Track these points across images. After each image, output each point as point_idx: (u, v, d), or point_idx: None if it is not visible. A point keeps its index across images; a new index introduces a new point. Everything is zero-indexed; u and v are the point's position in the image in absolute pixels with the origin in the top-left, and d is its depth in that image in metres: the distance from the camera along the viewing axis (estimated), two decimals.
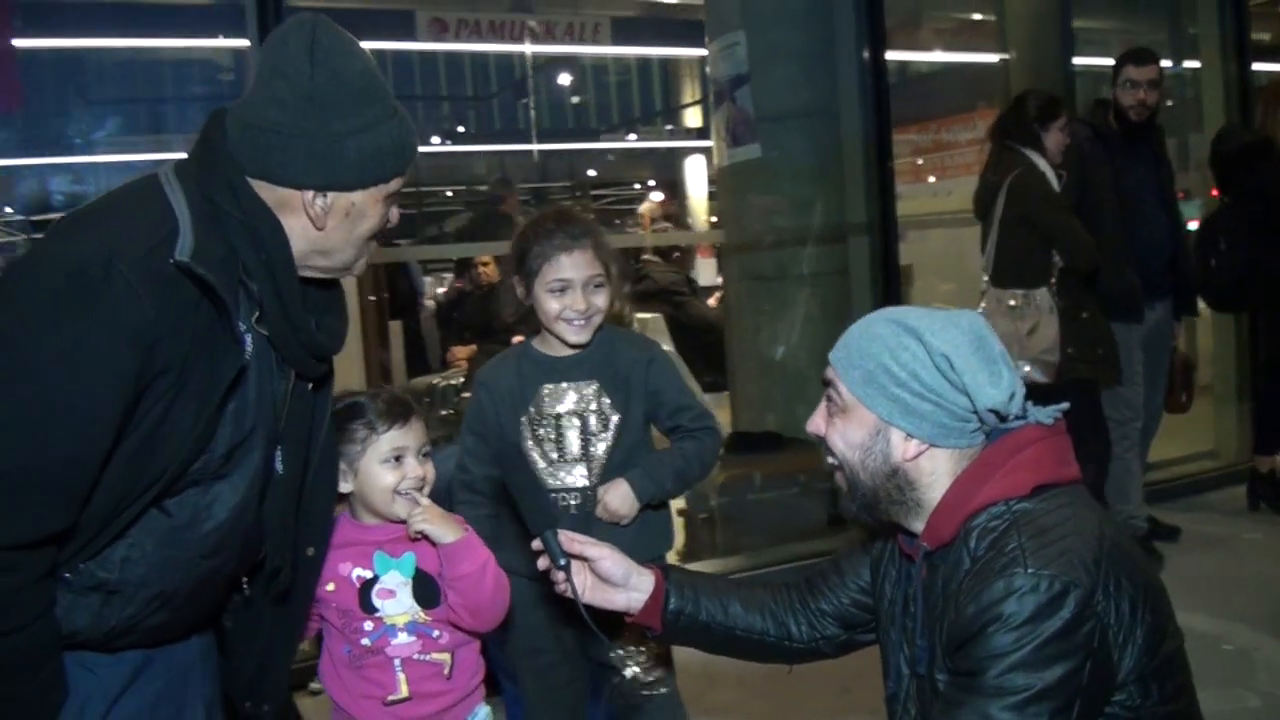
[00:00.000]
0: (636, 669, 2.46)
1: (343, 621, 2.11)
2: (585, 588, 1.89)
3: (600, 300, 2.38)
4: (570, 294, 2.35)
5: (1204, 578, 4.05)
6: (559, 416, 2.40)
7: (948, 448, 1.62)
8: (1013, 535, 1.52)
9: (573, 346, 2.41)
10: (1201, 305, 5.10)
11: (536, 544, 1.86)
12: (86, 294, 1.41)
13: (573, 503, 2.41)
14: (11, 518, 1.41)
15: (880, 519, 1.72)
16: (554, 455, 2.41)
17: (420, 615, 2.10)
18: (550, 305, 2.37)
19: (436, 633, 2.12)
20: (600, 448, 2.41)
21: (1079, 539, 1.49)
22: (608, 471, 2.41)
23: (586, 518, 2.39)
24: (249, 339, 1.59)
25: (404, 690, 2.11)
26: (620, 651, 2.45)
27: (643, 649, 2.46)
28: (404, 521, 2.08)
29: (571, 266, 2.35)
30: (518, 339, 6.30)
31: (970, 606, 1.49)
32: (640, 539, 2.40)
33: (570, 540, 1.87)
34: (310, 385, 1.78)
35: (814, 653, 1.98)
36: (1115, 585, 1.48)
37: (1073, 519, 1.53)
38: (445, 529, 2.05)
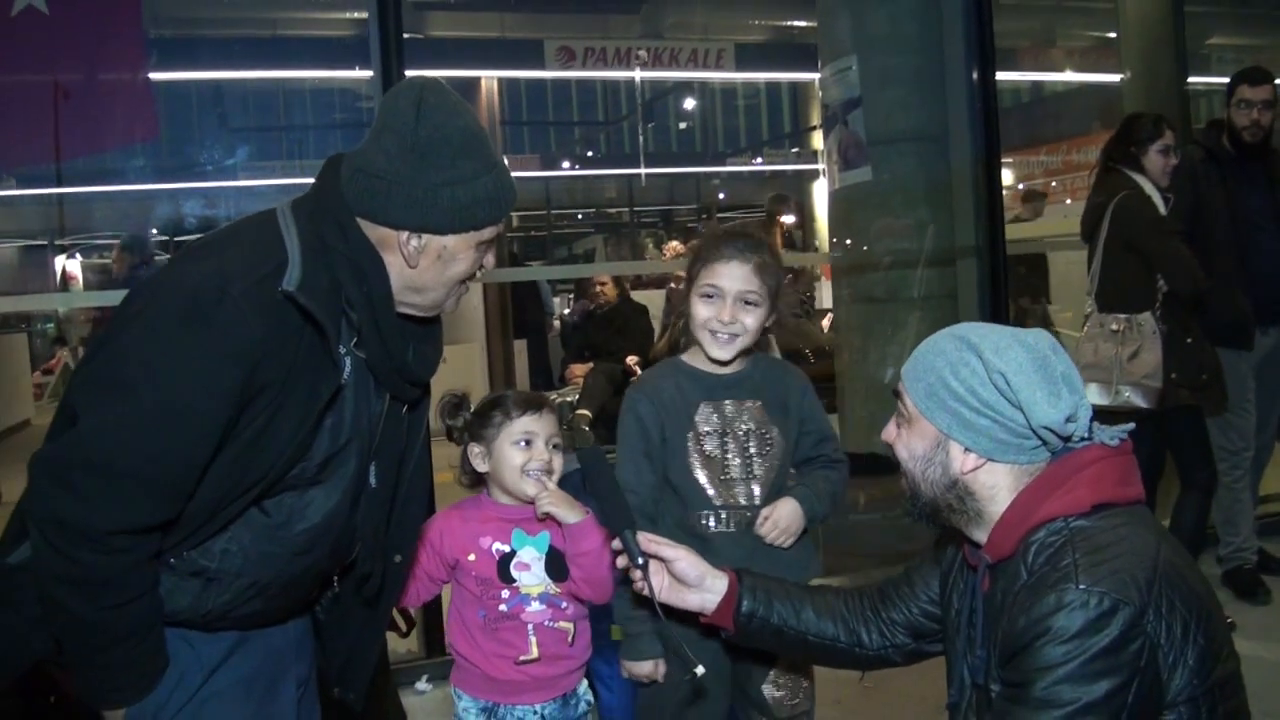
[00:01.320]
0: (780, 692, 2.42)
1: (481, 589, 2.31)
2: (662, 588, 1.96)
3: (750, 320, 2.30)
4: (719, 303, 2.30)
5: None
6: (723, 434, 2.35)
7: (1006, 463, 1.65)
8: (1068, 551, 1.54)
9: (712, 360, 2.35)
10: None
11: (616, 543, 1.94)
12: (202, 314, 1.59)
13: (732, 520, 2.34)
14: (127, 506, 1.58)
15: (943, 525, 1.77)
16: (720, 474, 2.34)
17: (552, 587, 2.31)
18: (700, 311, 2.32)
19: (564, 604, 2.33)
20: (762, 468, 2.35)
21: (1134, 558, 1.50)
22: (769, 491, 2.36)
23: (746, 536, 2.33)
24: (348, 362, 1.75)
25: (535, 651, 2.31)
26: (770, 685, 2.41)
27: (790, 676, 2.41)
28: (533, 501, 2.27)
29: (727, 276, 2.30)
30: (632, 359, 6.45)
31: (1022, 619, 1.52)
32: (799, 560, 2.38)
33: (648, 541, 1.95)
34: (405, 408, 1.93)
35: (884, 660, 2.02)
36: (1168, 606, 1.48)
37: (1129, 538, 1.54)
38: (569, 511, 2.25)
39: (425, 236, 1.73)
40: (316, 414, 1.70)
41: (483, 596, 2.31)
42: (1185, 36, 5.70)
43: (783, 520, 2.33)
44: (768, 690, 2.42)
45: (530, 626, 2.30)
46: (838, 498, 2.46)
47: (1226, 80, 4.63)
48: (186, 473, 1.61)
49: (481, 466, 2.35)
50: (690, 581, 1.97)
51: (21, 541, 1.66)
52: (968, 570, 1.79)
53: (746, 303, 2.30)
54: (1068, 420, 1.60)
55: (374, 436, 1.84)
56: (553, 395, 6.90)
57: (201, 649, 1.77)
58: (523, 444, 2.31)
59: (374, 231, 1.73)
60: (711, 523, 2.34)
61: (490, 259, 1.86)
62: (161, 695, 1.73)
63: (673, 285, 6.38)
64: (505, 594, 2.30)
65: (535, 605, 2.31)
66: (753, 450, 2.36)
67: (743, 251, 2.31)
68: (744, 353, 2.39)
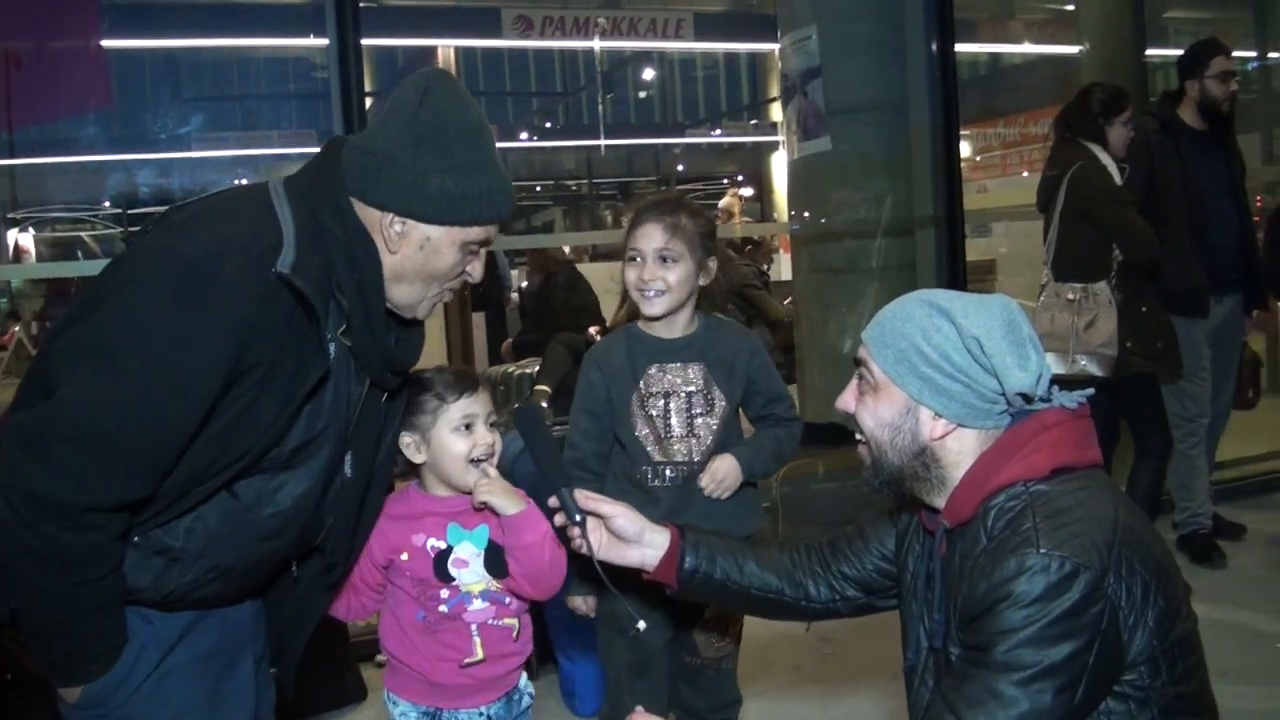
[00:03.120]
0: (709, 633, 2.58)
1: (418, 589, 2.19)
2: (600, 544, 1.94)
3: (670, 275, 2.42)
4: (640, 264, 2.44)
5: (1265, 577, 3.99)
6: (667, 395, 2.48)
7: (975, 428, 1.64)
8: (1028, 516, 1.53)
9: (650, 319, 2.48)
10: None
11: (553, 500, 1.93)
12: (197, 285, 1.55)
13: (674, 475, 2.48)
14: (105, 481, 1.54)
15: (903, 494, 1.76)
16: (661, 431, 2.48)
17: (494, 584, 2.20)
18: (628, 275, 2.47)
19: (508, 599, 2.22)
20: (704, 427, 2.48)
21: (1093, 522, 1.50)
22: (714, 447, 2.49)
23: (687, 490, 2.48)
24: (332, 347, 1.71)
25: (479, 653, 2.21)
26: (699, 629, 2.58)
27: (717, 619, 2.57)
28: (470, 491, 2.15)
29: (643, 237, 2.44)
30: (594, 329, 6.44)
31: (983, 584, 1.52)
32: (738, 513, 2.51)
33: (585, 498, 1.93)
34: (384, 395, 1.90)
35: (831, 612, 2.02)
36: (1128, 569, 1.48)
37: (1088, 502, 1.54)
38: (508, 501, 2.11)
39: (409, 222, 1.70)
40: (300, 399, 1.67)
41: (420, 597, 2.20)
42: (1144, 8, 5.72)
43: (719, 473, 2.47)
44: (696, 633, 2.58)
45: (474, 626, 2.21)
46: (783, 456, 2.61)
47: (1172, 53, 4.66)
48: (168, 449, 1.57)
49: (417, 457, 2.18)
50: (629, 537, 1.95)
51: None
52: (924, 534, 1.79)
53: (664, 259, 2.42)
54: (1036, 383, 1.60)
55: (350, 423, 1.81)
56: (511, 368, 6.85)
57: (159, 625, 1.74)
58: (464, 429, 2.16)
59: (364, 212, 1.71)
60: (652, 477, 2.48)
61: (476, 268, 1.81)
62: (121, 671, 1.70)
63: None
64: (445, 593, 2.19)
65: (477, 604, 2.20)
66: (696, 410, 2.48)
67: (657, 213, 2.45)
68: (698, 319, 2.53)
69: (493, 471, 2.16)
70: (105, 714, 1.71)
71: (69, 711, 1.74)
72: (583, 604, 2.57)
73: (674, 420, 2.48)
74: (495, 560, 2.18)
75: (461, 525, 2.19)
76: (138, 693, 1.72)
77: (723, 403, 2.49)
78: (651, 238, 2.43)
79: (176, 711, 1.76)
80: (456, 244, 1.74)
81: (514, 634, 2.25)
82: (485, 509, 2.15)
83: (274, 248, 1.60)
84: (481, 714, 2.26)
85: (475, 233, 1.75)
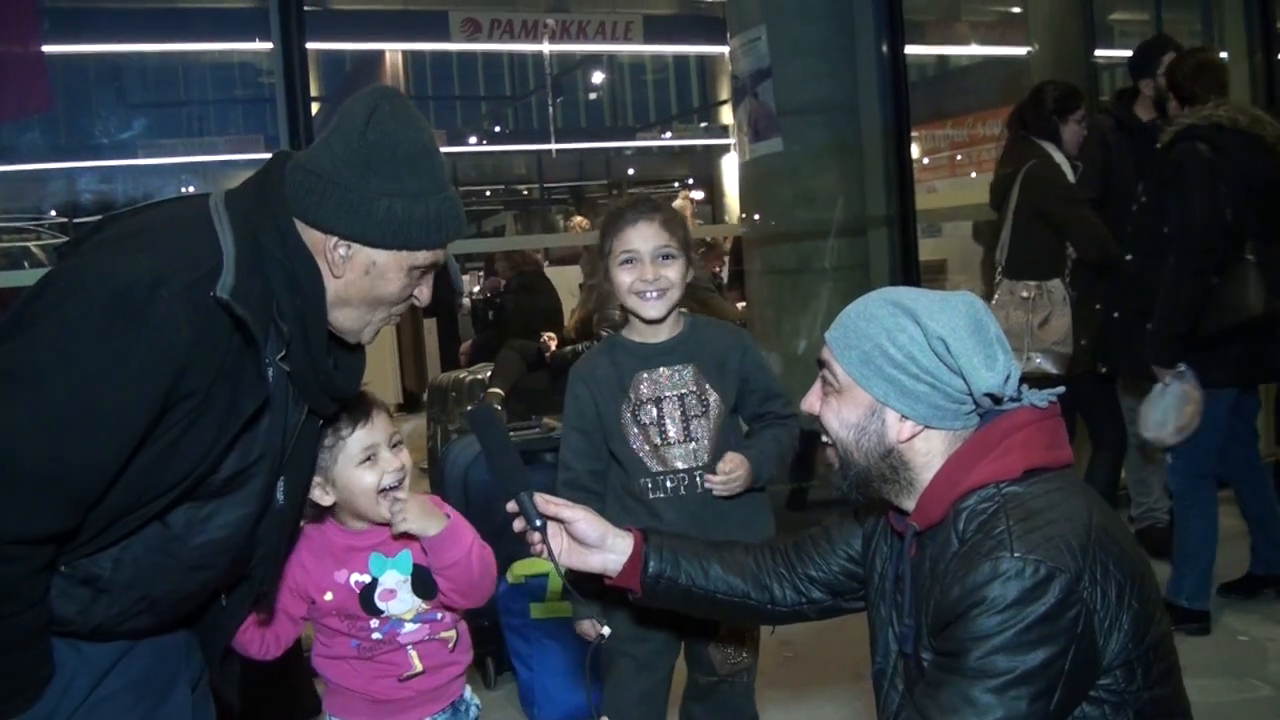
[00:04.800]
0: (728, 648, 2.49)
1: (348, 624, 2.14)
2: (561, 550, 1.89)
3: (671, 273, 2.37)
4: (639, 265, 2.36)
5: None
6: (659, 400, 2.41)
7: (942, 429, 1.61)
8: (1001, 519, 1.51)
9: (648, 322, 2.41)
10: None
11: (511, 505, 1.85)
12: (129, 313, 1.48)
13: (674, 485, 2.41)
14: (23, 514, 1.47)
15: (872, 496, 1.72)
16: (657, 439, 2.40)
17: (423, 605, 2.15)
18: (622, 279, 2.38)
19: (440, 615, 2.18)
20: (701, 429, 2.40)
21: (1067, 524, 1.48)
22: (713, 450, 2.41)
23: (692, 499, 2.40)
24: (270, 372, 1.65)
25: (418, 665, 2.17)
26: (714, 644, 2.48)
27: (733, 631, 2.47)
28: (389, 523, 2.08)
29: (639, 238, 2.36)
30: (548, 336, 6.40)
31: (956, 589, 1.48)
32: (750, 519, 2.44)
33: (546, 502, 1.87)
34: (319, 421, 1.85)
35: (797, 615, 1.99)
36: (1102, 571, 1.46)
37: (1061, 504, 1.52)
38: (428, 523, 2.06)
39: (355, 246, 1.64)
40: (236, 428, 1.60)
41: (351, 630, 2.15)
42: (1093, 9, 5.78)
43: (729, 466, 2.37)
44: (711, 648, 2.48)
45: (409, 646, 2.17)
46: (786, 457, 2.52)
47: (1129, 54, 4.69)
48: (95, 481, 1.50)
49: (326, 500, 2.08)
50: (591, 542, 1.90)
51: None
52: (892, 536, 1.75)
53: (664, 257, 2.37)
54: (1005, 382, 1.57)
55: (286, 451, 1.75)
56: (463, 374, 6.80)
57: (89, 653, 1.67)
58: (367, 461, 2.06)
59: (307, 235, 1.64)
60: (652, 489, 2.40)
61: (424, 292, 1.76)
62: (49, 704, 1.63)
63: (585, 248, 6.36)
64: (375, 624, 2.13)
65: (410, 626, 2.16)
66: (691, 413, 2.40)
67: (647, 212, 2.39)
68: (682, 319, 2.47)
69: (403, 494, 2.09)
70: None
71: None
72: (591, 629, 2.39)
73: (669, 425, 2.40)
74: (423, 582, 2.13)
75: (384, 554, 2.13)
76: None
77: (718, 403, 2.41)
78: (649, 237, 2.36)
79: None
80: (404, 268, 1.69)
81: (450, 645, 2.21)
82: (406, 536, 2.09)
83: (213, 271, 1.54)
84: None
85: (422, 256, 1.70)
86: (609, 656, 2.49)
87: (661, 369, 2.42)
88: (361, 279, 1.67)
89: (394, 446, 2.11)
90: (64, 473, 1.47)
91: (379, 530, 2.12)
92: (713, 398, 2.41)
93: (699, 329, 2.47)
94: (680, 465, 2.40)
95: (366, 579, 2.12)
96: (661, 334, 2.43)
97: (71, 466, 1.47)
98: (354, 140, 1.62)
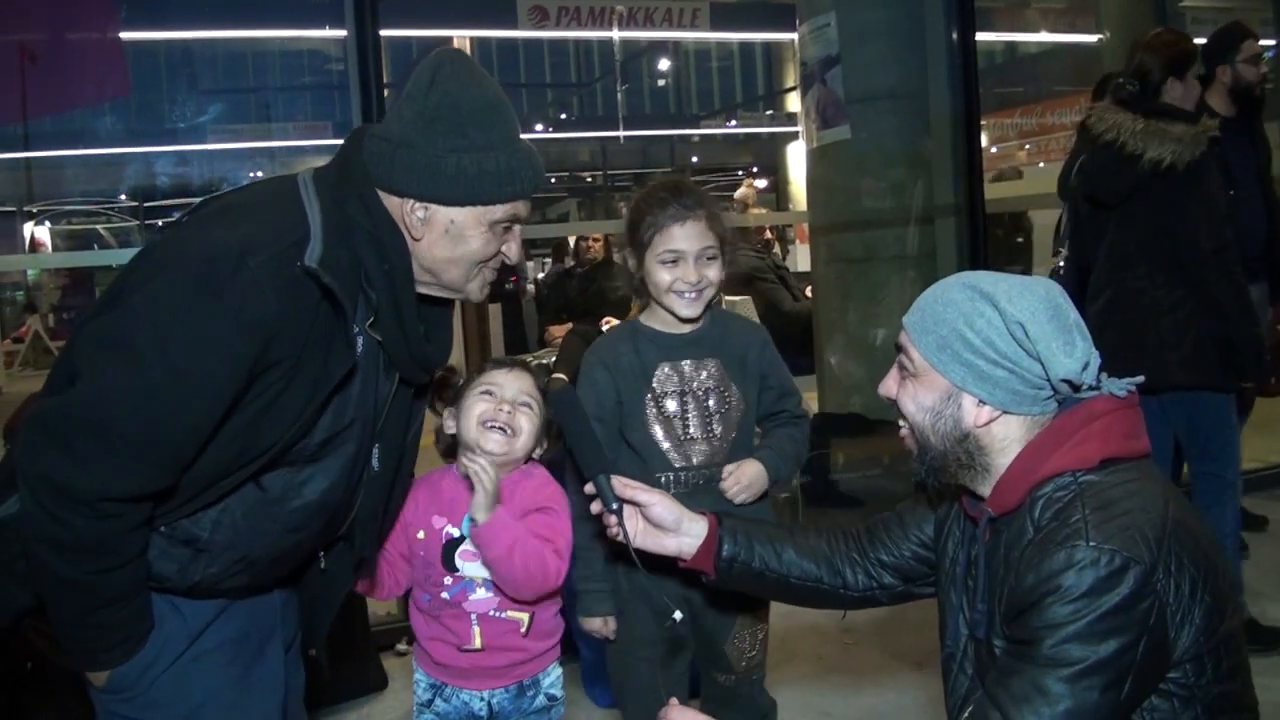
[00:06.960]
0: (743, 644, 2.46)
1: (425, 573, 2.22)
2: (637, 532, 1.91)
3: (712, 273, 2.32)
4: (682, 265, 2.29)
5: None
6: (682, 394, 2.35)
7: (1020, 415, 1.60)
8: (1077, 507, 1.50)
9: (683, 320, 2.36)
10: None
11: (589, 488, 1.88)
12: (217, 283, 1.54)
13: (690, 479, 2.36)
14: (123, 472, 1.54)
15: (948, 482, 1.71)
16: (680, 433, 2.35)
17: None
18: (662, 277, 2.30)
19: None
20: (721, 425, 2.36)
21: (1143, 515, 1.47)
22: (731, 448, 2.37)
23: (702, 495, 2.33)
24: (361, 340, 1.70)
25: (477, 642, 2.21)
26: (731, 640, 2.45)
27: (750, 629, 2.45)
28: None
29: (684, 238, 2.28)
30: (608, 321, 6.42)
31: (1030, 576, 1.48)
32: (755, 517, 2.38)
33: (624, 485, 1.89)
34: (413, 391, 1.90)
35: (869, 601, 1.99)
36: (1176, 564, 1.45)
37: (1138, 494, 1.50)
38: (481, 501, 2.11)
39: (431, 207, 1.69)
40: (326, 393, 1.66)
41: (425, 581, 2.23)
42: None
43: (745, 478, 2.35)
44: (728, 645, 2.45)
45: (474, 616, 2.21)
46: (800, 457, 2.50)
47: (1203, 41, 4.59)
48: (187, 443, 1.57)
49: (450, 428, 2.25)
50: (667, 526, 1.92)
51: (9, 494, 1.63)
52: (966, 521, 1.74)
53: (709, 258, 2.32)
54: (1083, 370, 1.56)
55: (379, 418, 1.80)
56: (529, 358, 6.86)
57: (187, 611, 1.74)
58: (486, 396, 2.21)
59: (387, 201, 1.69)
60: (668, 482, 2.33)
61: (513, 248, 1.79)
62: (147, 657, 1.70)
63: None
64: (448, 580, 2.20)
65: (480, 592, 2.20)
66: (712, 408, 2.36)
67: (692, 209, 2.30)
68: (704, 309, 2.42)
69: (493, 472, 2.14)
70: (132, 698, 1.72)
71: (98, 696, 1.74)
72: (601, 625, 2.38)
73: (692, 420, 2.35)
74: None
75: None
76: (164, 677, 1.72)
77: (739, 400, 2.38)
78: (695, 237, 2.29)
79: (204, 696, 1.75)
80: (483, 224, 1.72)
81: (522, 628, 2.24)
82: (466, 482, 2.17)
83: (301, 242, 1.59)
84: (483, 699, 2.27)
85: (500, 211, 1.73)
86: (625, 665, 2.46)
87: (685, 361, 2.37)
88: (442, 239, 1.71)
89: (521, 406, 2.23)
90: (157, 435, 1.54)
91: None
92: (735, 395, 2.38)
93: (721, 323, 2.44)
94: (699, 460, 2.35)
95: (456, 533, 2.20)
96: (686, 325, 2.38)
97: (164, 429, 1.54)
98: (419, 102, 1.67)
